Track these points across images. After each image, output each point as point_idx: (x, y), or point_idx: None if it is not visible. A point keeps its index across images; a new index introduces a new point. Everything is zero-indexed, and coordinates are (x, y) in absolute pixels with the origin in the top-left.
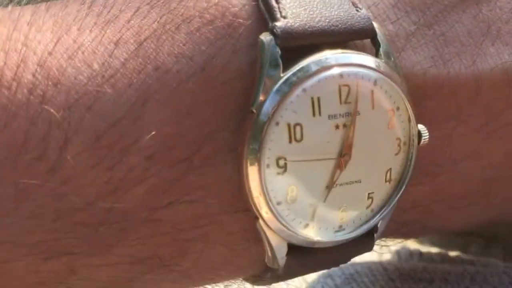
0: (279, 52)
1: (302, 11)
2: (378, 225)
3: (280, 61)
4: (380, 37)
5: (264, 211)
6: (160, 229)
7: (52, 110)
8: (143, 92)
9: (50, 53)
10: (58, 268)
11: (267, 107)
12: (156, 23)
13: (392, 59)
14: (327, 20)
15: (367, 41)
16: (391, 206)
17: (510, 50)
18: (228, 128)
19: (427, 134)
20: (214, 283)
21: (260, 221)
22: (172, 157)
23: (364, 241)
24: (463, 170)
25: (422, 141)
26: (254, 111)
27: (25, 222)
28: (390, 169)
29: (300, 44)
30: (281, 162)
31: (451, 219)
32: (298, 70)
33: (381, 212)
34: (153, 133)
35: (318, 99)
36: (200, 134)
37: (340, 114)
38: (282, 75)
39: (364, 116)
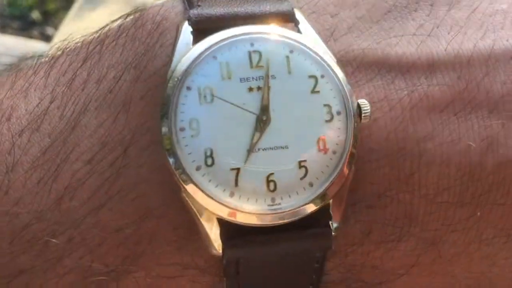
0: (191, 30)
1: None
2: (331, 211)
3: (191, 37)
4: (299, 17)
5: (182, 177)
6: (105, 231)
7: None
8: (83, 103)
9: (6, 96)
10: None
11: (176, 74)
12: (98, 39)
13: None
14: (242, 6)
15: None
16: (332, 179)
17: (462, 36)
18: None
19: (368, 108)
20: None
21: (183, 192)
22: (111, 155)
23: (319, 231)
24: None
25: (363, 115)
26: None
27: None
28: (323, 137)
29: (213, 26)
30: (194, 124)
31: None
32: (207, 41)
33: (322, 186)
34: (90, 135)
35: (227, 63)
36: (134, 126)
37: (253, 78)
38: (191, 46)
39: (280, 80)
